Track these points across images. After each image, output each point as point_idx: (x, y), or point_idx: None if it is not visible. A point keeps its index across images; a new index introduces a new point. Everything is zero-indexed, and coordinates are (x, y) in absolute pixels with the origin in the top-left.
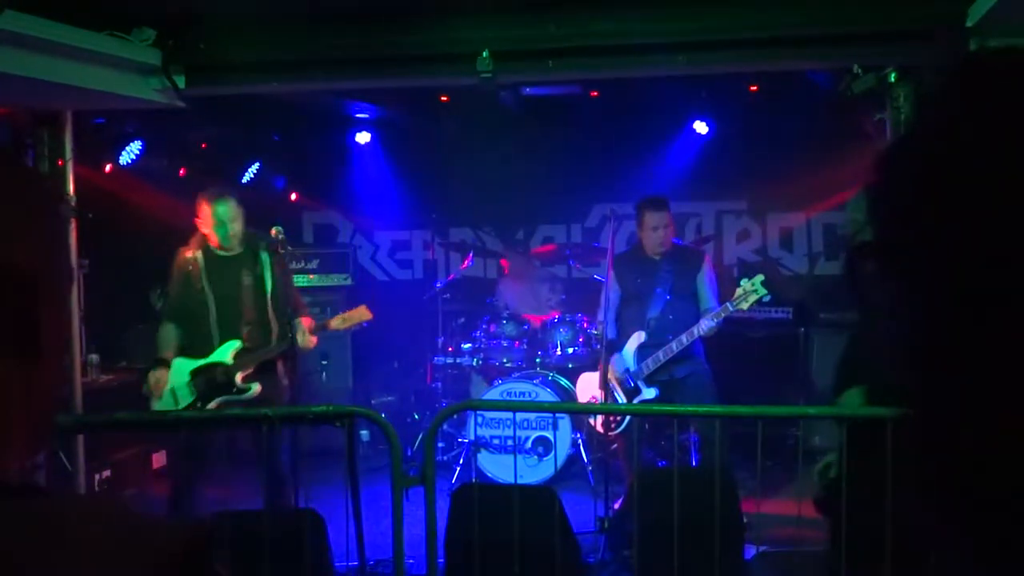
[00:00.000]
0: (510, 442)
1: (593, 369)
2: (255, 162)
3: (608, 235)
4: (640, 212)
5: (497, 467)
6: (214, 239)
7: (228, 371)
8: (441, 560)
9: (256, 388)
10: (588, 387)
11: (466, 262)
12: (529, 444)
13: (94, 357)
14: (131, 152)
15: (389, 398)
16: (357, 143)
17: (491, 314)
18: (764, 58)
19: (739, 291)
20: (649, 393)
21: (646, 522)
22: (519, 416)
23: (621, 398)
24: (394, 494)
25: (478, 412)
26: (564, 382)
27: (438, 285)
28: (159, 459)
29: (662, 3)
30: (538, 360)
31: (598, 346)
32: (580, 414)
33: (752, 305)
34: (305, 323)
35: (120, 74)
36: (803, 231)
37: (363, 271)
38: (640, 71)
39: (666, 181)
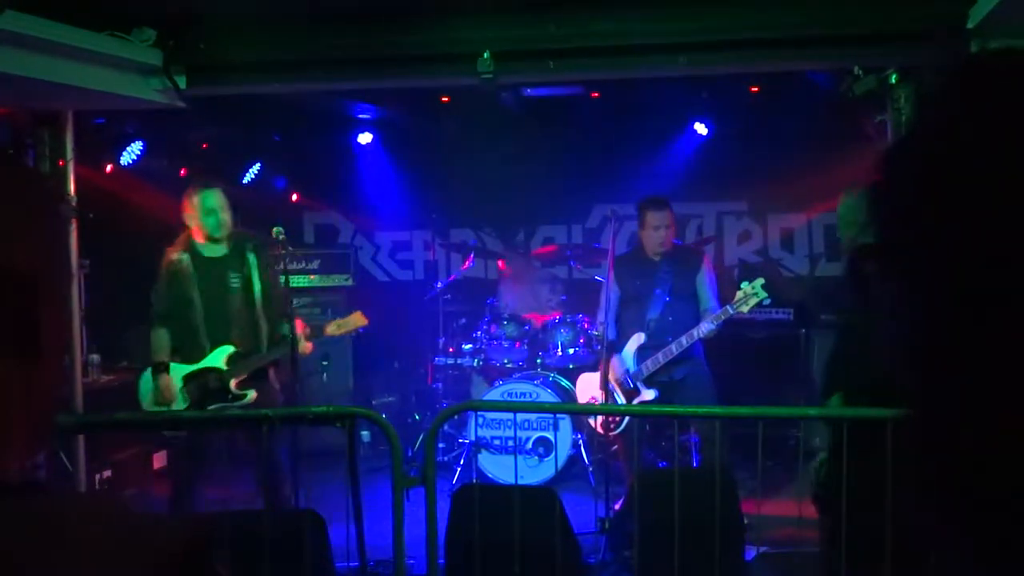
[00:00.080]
0: (511, 443)
1: (594, 370)
2: (256, 162)
3: (609, 236)
4: (641, 211)
5: (498, 468)
6: (204, 231)
7: (222, 377)
8: (441, 561)
9: (252, 395)
10: (588, 387)
11: (467, 263)
12: (530, 445)
13: (95, 357)
14: (132, 152)
15: (390, 399)
16: (358, 143)
17: (492, 315)
18: (765, 59)
19: (739, 294)
20: (649, 394)
21: (646, 523)
22: (520, 417)
23: (621, 399)
24: (395, 494)
25: (479, 413)
26: (565, 383)
27: (439, 286)
28: (160, 459)
29: (663, 4)
30: (539, 361)
31: (599, 347)
32: (581, 415)
33: (752, 308)
34: (298, 326)
35: (121, 74)
36: (804, 232)
37: (364, 272)
38: (641, 72)
39: (667, 182)
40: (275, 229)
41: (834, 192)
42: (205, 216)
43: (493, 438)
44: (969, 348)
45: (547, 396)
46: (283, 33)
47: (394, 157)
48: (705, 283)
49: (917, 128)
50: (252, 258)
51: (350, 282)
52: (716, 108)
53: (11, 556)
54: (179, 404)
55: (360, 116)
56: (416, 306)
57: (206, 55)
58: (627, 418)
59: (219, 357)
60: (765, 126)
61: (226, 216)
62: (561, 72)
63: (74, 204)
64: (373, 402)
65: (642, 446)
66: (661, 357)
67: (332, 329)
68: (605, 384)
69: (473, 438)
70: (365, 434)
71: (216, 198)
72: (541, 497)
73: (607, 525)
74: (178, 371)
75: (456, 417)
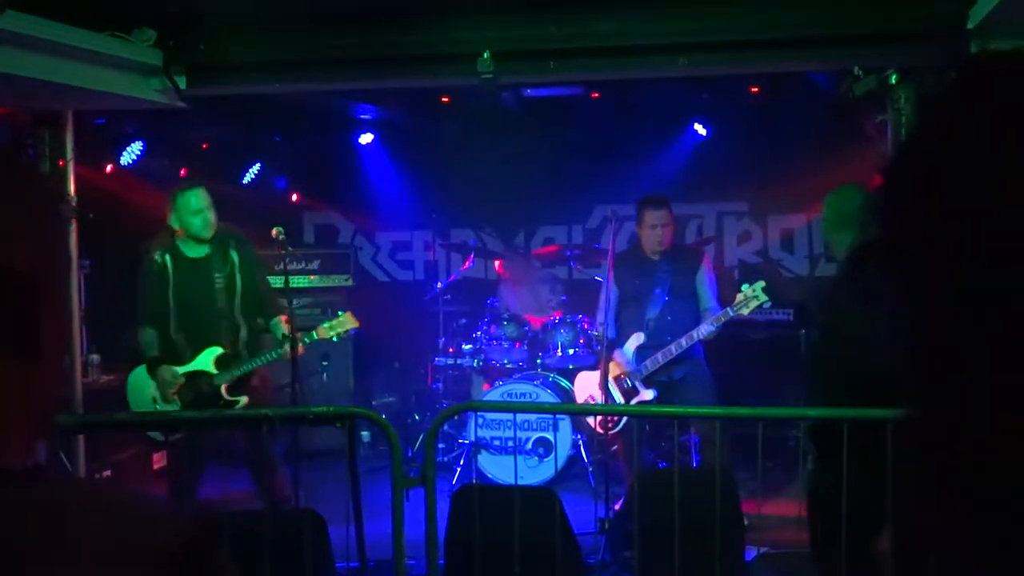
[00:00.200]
0: (511, 443)
1: (593, 370)
2: (256, 162)
3: (609, 236)
4: (640, 210)
5: (497, 468)
6: (191, 231)
7: (212, 382)
8: (441, 561)
9: (243, 401)
10: (586, 386)
11: (467, 263)
12: (530, 445)
13: (95, 357)
14: (132, 152)
15: (390, 399)
16: (358, 144)
17: (492, 315)
18: (765, 60)
19: (740, 296)
20: (648, 394)
21: (646, 523)
22: (519, 417)
23: (619, 398)
24: (394, 495)
25: (479, 413)
26: (565, 383)
27: (439, 286)
28: (159, 459)
29: (663, 4)
30: (539, 361)
31: (598, 347)
32: (580, 415)
33: (753, 311)
34: (284, 322)
35: (121, 74)
36: (804, 233)
37: (364, 272)
38: (641, 72)
39: (667, 182)
40: (275, 229)
41: None
42: (192, 216)
43: (493, 438)
44: (969, 348)
45: (547, 397)
46: (283, 33)
47: (394, 157)
48: (705, 282)
49: (917, 129)
50: (235, 255)
51: (350, 282)
52: (716, 108)
53: (11, 544)
54: (172, 407)
55: (360, 116)
56: (416, 306)
57: (206, 55)
58: (625, 417)
59: (207, 360)
60: (765, 126)
61: (212, 215)
62: (561, 72)
63: (74, 204)
64: (373, 402)
65: (642, 446)
66: (661, 357)
67: (323, 332)
68: (604, 383)
69: (473, 438)
70: (365, 434)
71: (202, 198)
72: (541, 497)
73: (607, 525)
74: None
75: (456, 417)
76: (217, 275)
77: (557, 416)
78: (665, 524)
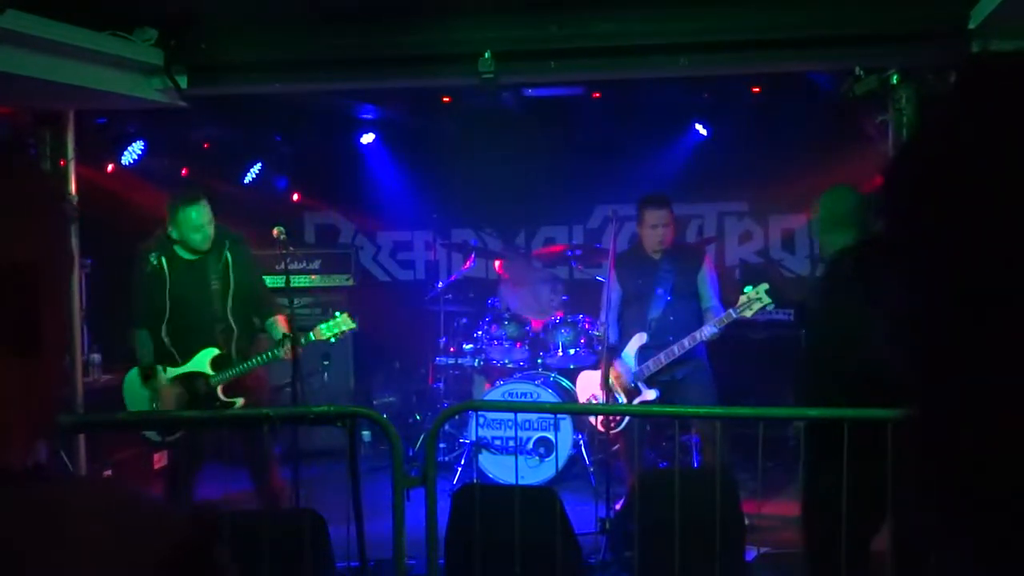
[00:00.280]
0: (511, 443)
1: (595, 370)
2: (257, 162)
3: (610, 236)
4: (640, 210)
5: (498, 468)
6: (189, 245)
7: (209, 383)
8: (442, 561)
9: (240, 403)
10: (588, 385)
11: (468, 263)
12: (530, 445)
13: (96, 357)
14: (133, 152)
15: (390, 398)
16: (359, 144)
17: (493, 315)
18: (766, 60)
19: (743, 298)
20: (650, 394)
21: (647, 523)
22: (520, 417)
23: (621, 398)
24: (395, 494)
25: (479, 413)
26: (565, 383)
27: (440, 286)
28: (160, 459)
29: (663, 4)
30: (540, 361)
31: (600, 347)
32: (581, 415)
33: (755, 313)
34: (281, 321)
35: (122, 74)
36: (805, 233)
37: (365, 272)
38: (642, 72)
39: (668, 182)
40: (276, 229)
41: None
42: (193, 232)
43: (494, 438)
44: (969, 348)
45: (548, 396)
46: (284, 33)
47: (395, 157)
48: (706, 282)
49: (918, 129)
50: (228, 255)
51: (351, 282)
52: (717, 109)
53: (11, 544)
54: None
55: (361, 116)
56: (417, 306)
57: (207, 55)
58: (627, 416)
59: (203, 361)
60: (766, 127)
61: (211, 229)
62: (562, 72)
63: (75, 204)
64: (374, 402)
65: (643, 446)
66: (663, 357)
67: (319, 333)
68: (606, 382)
69: (474, 438)
70: (366, 434)
71: (203, 214)
72: (541, 497)
73: (607, 525)
74: (164, 375)
75: (457, 417)
76: (213, 277)
77: (558, 416)
78: (666, 524)
